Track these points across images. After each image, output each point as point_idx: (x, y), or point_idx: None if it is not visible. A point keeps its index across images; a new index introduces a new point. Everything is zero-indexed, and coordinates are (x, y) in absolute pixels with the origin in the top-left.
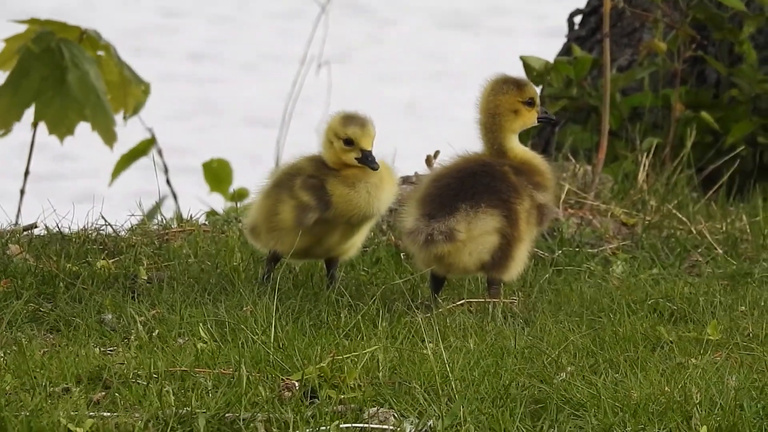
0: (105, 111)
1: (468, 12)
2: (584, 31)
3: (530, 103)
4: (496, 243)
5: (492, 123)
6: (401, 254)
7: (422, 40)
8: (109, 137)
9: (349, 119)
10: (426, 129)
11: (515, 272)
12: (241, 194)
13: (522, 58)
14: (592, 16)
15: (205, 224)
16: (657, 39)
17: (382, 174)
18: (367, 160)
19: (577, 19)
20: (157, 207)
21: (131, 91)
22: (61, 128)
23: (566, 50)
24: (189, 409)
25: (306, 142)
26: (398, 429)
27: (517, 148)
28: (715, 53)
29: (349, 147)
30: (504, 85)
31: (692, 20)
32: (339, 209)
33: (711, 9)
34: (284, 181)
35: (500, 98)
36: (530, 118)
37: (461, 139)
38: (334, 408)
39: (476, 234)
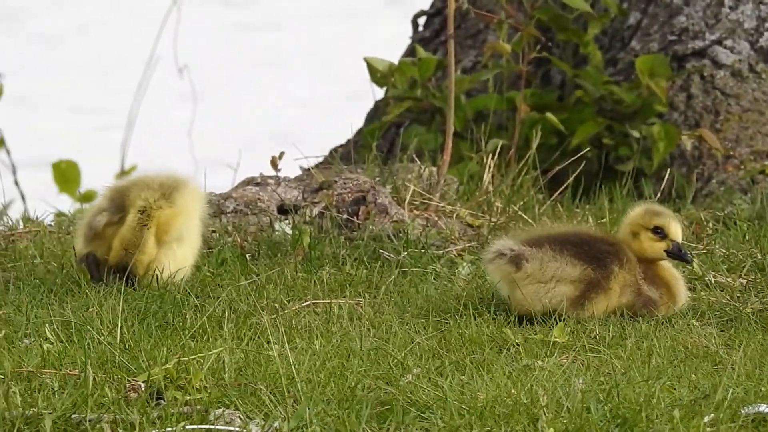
0: None
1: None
2: (428, 33)
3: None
4: (570, 293)
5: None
6: (246, 255)
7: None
8: None
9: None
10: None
11: (591, 312)
12: (88, 196)
13: (366, 60)
14: (436, 18)
15: (50, 225)
16: (501, 40)
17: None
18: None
19: (422, 20)
20: (3, 209)
21: None
22: None
23: (410, 51)
24: (35, 410)
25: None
26: (244, 430)
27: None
28: (560, 55)
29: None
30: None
31: (537, 22)
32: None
33: (555, 10)
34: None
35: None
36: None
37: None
38: (180, 409)
39: (548, 275)
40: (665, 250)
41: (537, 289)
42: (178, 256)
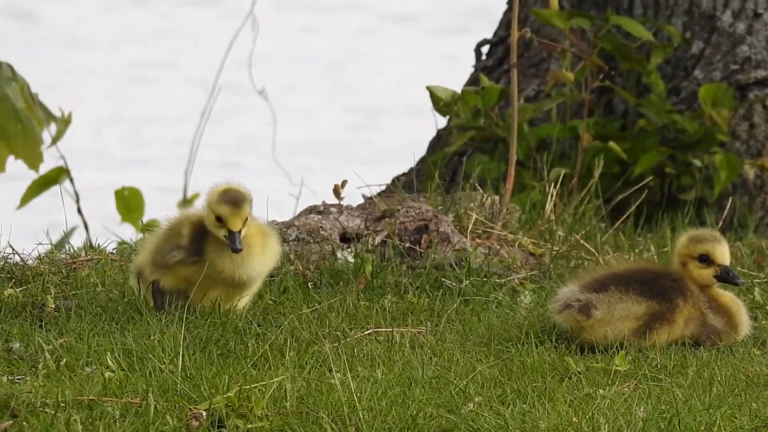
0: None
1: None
2: (491, 61)
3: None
4: (634, 325)
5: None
6: (308, 283)
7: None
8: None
9: (223, 197)
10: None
11: (653, 342)
12: (151, 226)
13: (429, 88)
14: (499, 46)
15: (112, 253)
16: (564, 69)
17: (253, 243)
18: (230, 241)
19: (485, 49)
20: (66, 237)
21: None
22: None
23: (474, 80)
24: None
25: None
26: None
27: (715, 292)
28: (623, 83)
29: (220, 224)
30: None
31: (600, 50)
32: (215, 267)
33: (619, 39)
34: (178, 226)
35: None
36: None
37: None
38: None
39: (617, 317)
40: (714, 276)
41: (605, 330)
42: (242, 300)
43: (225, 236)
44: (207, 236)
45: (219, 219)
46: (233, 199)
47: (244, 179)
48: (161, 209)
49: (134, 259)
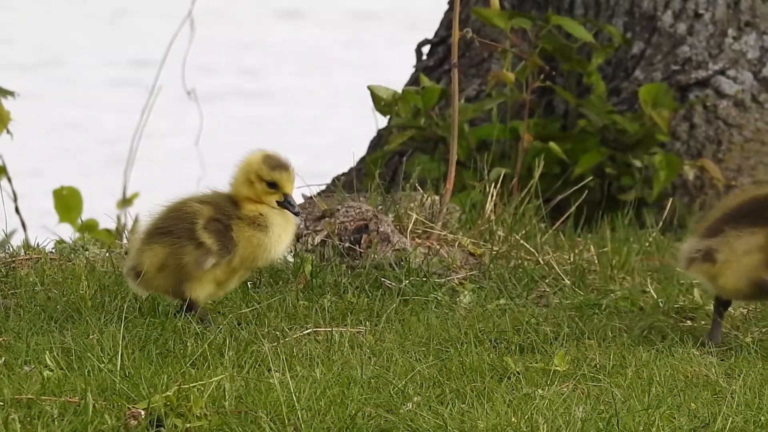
0: None
1: None
2: (432, 61)
3: None
4: (764, 259)
5: None
6: (248, 283)
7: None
8: None
9: (272, 162)
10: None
11: None
12: (89, 226)
13: (369, 88)
14: (440, 46)
15: (52, 252)
16: (505, 69)
17: (287, 216)
18: (289, 205)
19: (425, 49)
20: (6, 240)
21: None
22: None
23: (414, 80)
24: None
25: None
26: None
27: None
28: (564, 84)
29: (273, 190)
30: None
31: (541, 51)
32: (245, 253)
33: (560, 40)
34: (181, 226)
35: None
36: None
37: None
38: None
39: (740, 253)
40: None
41: (737, 269)
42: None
43: (278, 202)
44: (231, 227)
45: (272, 185)
46: (284, 163)
47: (187, 177)
48: (99, 209)
49: (127, 258)
